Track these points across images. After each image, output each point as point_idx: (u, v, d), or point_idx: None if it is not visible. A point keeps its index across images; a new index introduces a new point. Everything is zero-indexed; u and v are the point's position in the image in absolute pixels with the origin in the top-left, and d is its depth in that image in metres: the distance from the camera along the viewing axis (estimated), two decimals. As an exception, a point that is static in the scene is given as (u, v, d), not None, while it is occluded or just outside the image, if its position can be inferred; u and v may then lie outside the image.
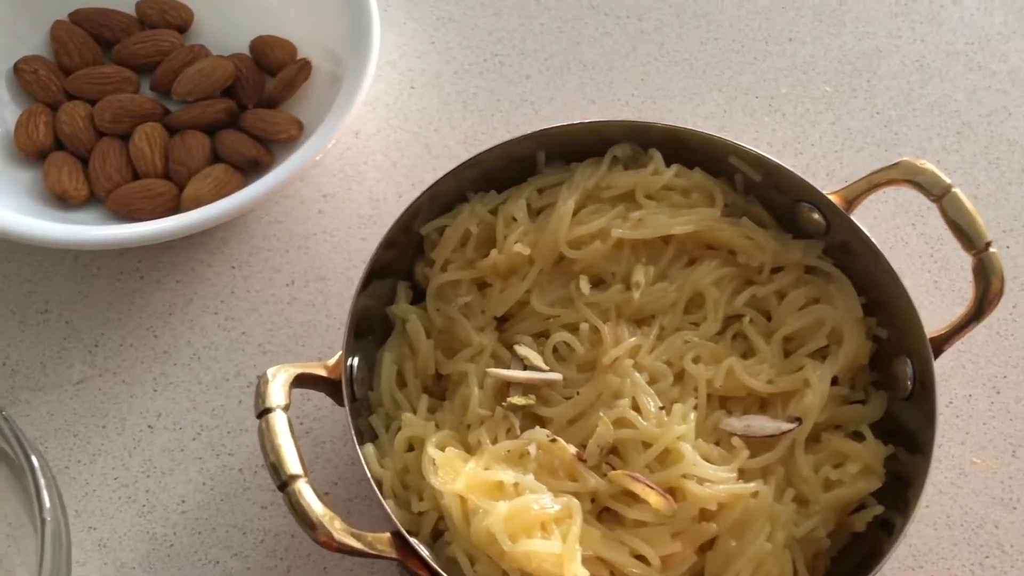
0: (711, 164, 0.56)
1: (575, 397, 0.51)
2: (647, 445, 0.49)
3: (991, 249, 0.51)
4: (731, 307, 0.54)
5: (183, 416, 0.58)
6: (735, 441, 0.49)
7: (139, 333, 0.61)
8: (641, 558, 0.47)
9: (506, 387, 0.51)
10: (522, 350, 0.52)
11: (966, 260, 0.52)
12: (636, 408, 0.50)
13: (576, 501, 0.47)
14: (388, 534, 0.45)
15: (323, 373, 0.49)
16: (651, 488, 0.47)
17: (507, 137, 0.56)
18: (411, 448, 0.51)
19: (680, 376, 0.51)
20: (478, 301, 0.54)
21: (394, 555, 0.45)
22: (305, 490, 0.44)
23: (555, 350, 0.53)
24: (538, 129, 0.56)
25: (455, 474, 0.47)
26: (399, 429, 0.51)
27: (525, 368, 0.52)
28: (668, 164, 0.56)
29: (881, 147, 0.68)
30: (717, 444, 0.50)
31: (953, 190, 0.51)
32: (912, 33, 0.74)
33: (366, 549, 0.44)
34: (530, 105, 0.69)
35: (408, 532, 0.46)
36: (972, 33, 0.74)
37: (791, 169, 0.54)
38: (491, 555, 0.46)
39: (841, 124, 0.69)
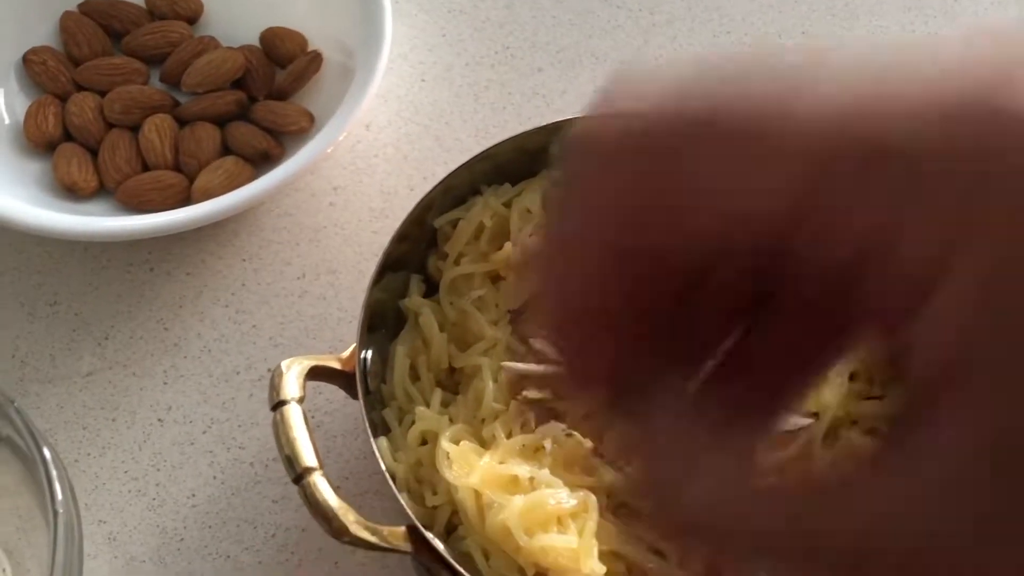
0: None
1: (590, 391, 0.51)
2: (663, 439, 0.48)
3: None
4: (747, 301, 0.53)
5: (193, 409, 0.58)
6: (752, 436, 0.49)
7: (149, 326, 0.60)
8: (658, 553, 0.47)
9: (521, 381, 0.51)
10: (537, 344, 0.52)
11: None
12: (652, 402, 0.49)
13: (592, 496, 0.47)
14: (403, 528, 0.45)
15: (337, 366, 0.49)
16: (668, 483, 0.46)
17: (519, 130, 0.56)
18: (424, 442, 0.50)
19: (696, 370, 0.51)
20: (492, 294, 0.54)
21: (409, 549, 0.45)
22: (321, 483, 0.43)
23: (570, 344, 0.52)
24: (551, 122, 0.56)
25: (470, 468, 0.47)
26: (412, 423, 0.50)
27: (540, 362, 0.51)
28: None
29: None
30: (733, 439, 0.49)
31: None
32: (925, 27, 0.73)
33: (381, 543, 0.44)
34: (542, 98, 0.69)
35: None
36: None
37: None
38: (506, 549, 0.46)
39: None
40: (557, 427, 0.49)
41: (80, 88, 0.65)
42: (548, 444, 0.48)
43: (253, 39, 0.68)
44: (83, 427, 0.57)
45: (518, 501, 0.45)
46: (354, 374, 0.49)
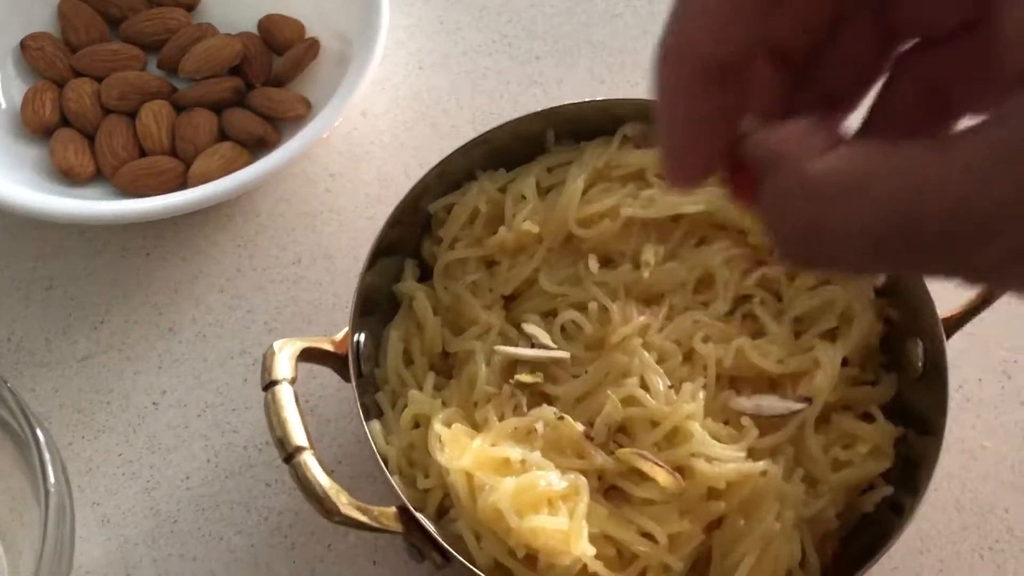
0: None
1: (583, 375, 0.51)
2: (655, 424, 0.48)
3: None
4: (741, 287, 0.53)
5: (188, 393, 0.58)
6: (744, 421, 0.49)
7: (144, 310, 0.60)
8: (648, 536, 0.46)
9: (513, 365, 0.51)
10: (530, 328, 0.51)
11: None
12: (644, 387, 0.49)
13: (583, 479, 0.47)
14: (394, 508, 0.45)
15: (330, 348, 0.49)
16: (659, 466, 0.46)
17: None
18: (417, 425, 0.50)
19: (689, 356, 0.51)
20: (486, 279, 0.54)
21: (400, 529, 0.45)
22: (311, 462, 0.43)
23: (563, 329, 0.52)
24: (547, 107, 0.56)
25: (461, 451, 0.47)
26: (405, 406, 0.50)
27: (533, 346, 0.51)
28: (679, 143, 0.55)
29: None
30: (726, 424, 0.49)
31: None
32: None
33: (371, 523, 0.44)
34: (539, 86, 0.69)
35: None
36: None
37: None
38: (497, 531, 0.46)
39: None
40: (549, 410, 0.48)
41: (77, 74, 0.65)
42: (540, 427, 0.48)
43: (251, 26, 0.68)
44: (78, 410, 0.57)
45: (509, 483, 0.45)
46: (347, 356, 0.49)
